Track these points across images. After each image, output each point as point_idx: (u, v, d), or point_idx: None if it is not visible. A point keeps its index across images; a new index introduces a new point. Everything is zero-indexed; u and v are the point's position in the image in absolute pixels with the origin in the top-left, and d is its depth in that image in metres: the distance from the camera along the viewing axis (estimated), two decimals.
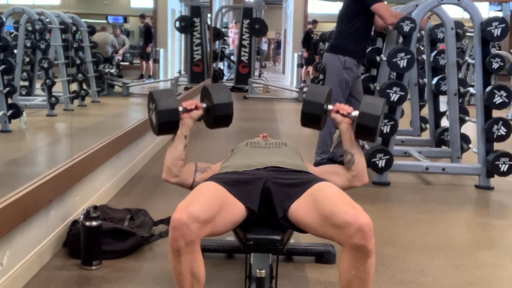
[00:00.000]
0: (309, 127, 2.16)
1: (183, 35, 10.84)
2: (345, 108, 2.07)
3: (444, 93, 4.64)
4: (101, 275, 2.31)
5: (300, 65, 12.38)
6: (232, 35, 15.11)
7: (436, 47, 4.94)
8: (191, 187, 2.11)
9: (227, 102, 2.06)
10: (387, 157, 3.87)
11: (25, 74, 5.88)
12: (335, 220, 1.63)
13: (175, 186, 3.75)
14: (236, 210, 1.78)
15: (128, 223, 2.70)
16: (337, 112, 2.08)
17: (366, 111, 1.99)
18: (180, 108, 2.07)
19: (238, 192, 1.80)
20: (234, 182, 1.83)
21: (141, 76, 10.78)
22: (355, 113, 2.04)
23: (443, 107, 5.01)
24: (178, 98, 6.77)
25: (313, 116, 2.07)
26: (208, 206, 1.67)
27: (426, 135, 5.26)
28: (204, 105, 2.11)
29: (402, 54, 3.78)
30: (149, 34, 10.86)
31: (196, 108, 2.10)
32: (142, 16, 10.99)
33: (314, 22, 12.21)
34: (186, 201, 1.67)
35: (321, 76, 6.88)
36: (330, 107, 2.10)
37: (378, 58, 4.26)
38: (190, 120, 2.10)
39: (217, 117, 2.07)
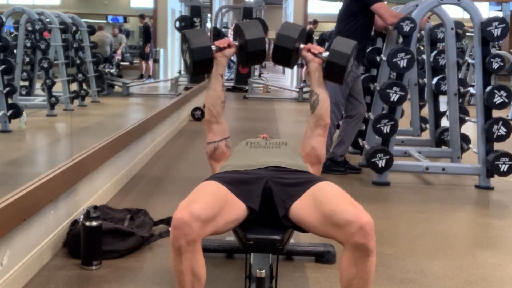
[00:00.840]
0: (280, 64, 2.20)
1: None
2: (317, 47, 2.13)
3: (444, 93, 4.65)
4: (101, 275, 2.31)
5: (300, 65, 12.38)
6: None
7: (436, 47, 4.94)
8: (211, 142, 2.17)
9: (259, 37, 2.07)
10: (387, 157, 3.87)
11: (25, 74, 5.88)
12: (336, 219, 1.63)
13: (175, 185, 3.75)
14: (237, 209, 1.77)
15: (128, 223, 2.70)
16: (309, 50, 2.13)
17: (336, 48, 2.03)
18: (213, 47, 2.07)
19: (239, 191, 1.80)
20: (236, 181, 1.83)
21: (141, 76, 10.77)
22: (326, 54, 2.07)
23: (443, 107, 5.01)
24: (178, 98, 6.78)
25: (284, 51, 2.10)
26: (210, 205, 1.66)
27: (426, 135, 5.26)
28: (237, 43, 2.12)
29: (402, 54, 3.78)
30: (147, 34, 10.85)
31: (229, 46, 2.12)
32: (142, 16, 10.98)
33: (315, 22, 12.20)
34: (187, 200, 1.67)
35: None
36: (302, 45, 2.13)
37: (378, 58, 4.27)
38: (224, 58, 2.13)
39: (250, 53, 2.08)
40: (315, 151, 2.14)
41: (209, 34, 10.14)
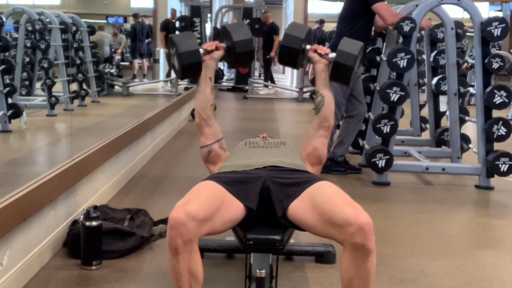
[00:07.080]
0: (286, 65, 2.19)
1: None
2: (323, 48, 2.12)
3: (444, 93, 4.65)
4: (101, 275, 2.31)
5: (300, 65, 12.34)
6: None
7: (436, 47, 4.94)
8: (204, 146, 2.16)
9: (247, 38, 2.07)
10: (387, 157, 3.87)
11: (25, 74, 5.88)
12: (335, 219, 1.63)
13: (175, 185, 3.75)
14: (234, 209, 1.77)
15: (128, 223, 2.70)
16: (315, 51, 2.12)
17: (343, 49, 2.02)
18: (201, 51, 2.07)
19: (237, 191, 1.80)
20: (233, 181, 1.83)
21: (134, 76, 10.76)
22: (332, 54, 2.07)
23: (443, 107, 5.01)
24: (178, 98, 6.78)
25: (291, 51, 2.09)
26: (206, 205, 1.66)
27: (426, 135, 5.26)
28: (224, 45, 2.12)
29: (402, 54, 3.78)
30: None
31: (217, 48, 2.12)
32: (135, 16, 10.92)
33: (322, 22, 12.18)
34: (184, 199, 1.67)
35: None
36: (308, 46, 2.12)
37: (378, 58, 4.26)
38: (212, 61, 2.13)
39: (238, 54, 2.08)
40: (317, 151, 2.14)
41: (208, 34, 10.15)
